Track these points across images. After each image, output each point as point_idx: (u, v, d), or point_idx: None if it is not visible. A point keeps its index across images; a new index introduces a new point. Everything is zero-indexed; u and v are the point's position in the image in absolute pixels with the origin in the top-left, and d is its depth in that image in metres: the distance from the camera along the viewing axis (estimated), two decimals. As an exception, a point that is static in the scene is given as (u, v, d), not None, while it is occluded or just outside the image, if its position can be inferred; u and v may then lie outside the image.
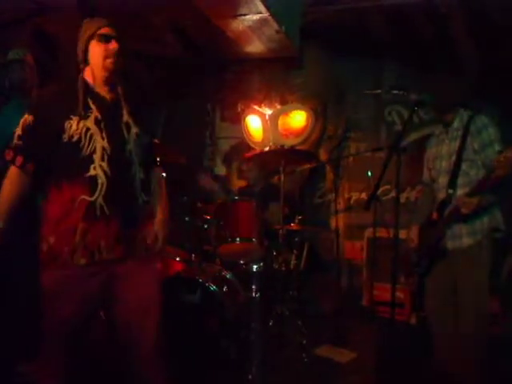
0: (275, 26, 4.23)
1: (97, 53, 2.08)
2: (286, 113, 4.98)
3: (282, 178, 3.62)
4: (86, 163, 2.00)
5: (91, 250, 1.98)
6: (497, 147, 2.54)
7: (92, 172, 1.99)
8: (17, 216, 2.04)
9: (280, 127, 4.95)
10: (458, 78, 2.91)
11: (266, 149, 4.66)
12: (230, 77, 5.50)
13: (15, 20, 4.23)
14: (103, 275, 2.02)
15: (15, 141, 2.03)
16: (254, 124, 5.14)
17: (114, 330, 2.11)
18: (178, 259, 3.56)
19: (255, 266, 3.36)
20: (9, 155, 2.02)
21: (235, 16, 4.03)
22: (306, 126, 4.93)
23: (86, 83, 2.10)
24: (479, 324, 2.59)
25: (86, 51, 2.10)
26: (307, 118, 4.93)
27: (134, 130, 2.12)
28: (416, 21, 4.38)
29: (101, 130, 2.03)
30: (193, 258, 3.42)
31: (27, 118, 2.03)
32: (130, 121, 2.12)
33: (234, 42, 4.67)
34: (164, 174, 2.44)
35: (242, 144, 5.38)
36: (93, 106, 2.06)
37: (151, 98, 5.41)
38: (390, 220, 3.15)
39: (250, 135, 5.18)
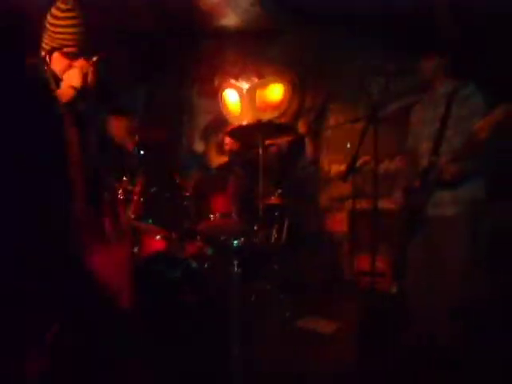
0: (249, -4, 4.15)
1: (59, 65, 2.00)
2: (263, 86, 4.93)
3: (261, 151, 3.59)
4: None
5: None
6: (482, 116, 2.49)
7: None
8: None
9: (257, 101, 4.90)
10: (437, 46, 2.87)
11: (244, 123, 4.61)
12: (205, 51, 5.40)
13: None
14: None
15: None
16: (232, 98, 5.08)
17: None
18: (158, 237, 3.53)
19: (236, 242, 3.35)
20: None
21: (208, -13, 3.94)
22: (283, 99, 4.89)
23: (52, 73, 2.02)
24: (458, 294, 2.61)
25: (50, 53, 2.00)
26: (285, 91, 4.89)
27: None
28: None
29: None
30: (173, 236, 3.40)
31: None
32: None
33: (208, 14, 4.58)
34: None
35: (220, 119, 5.32)
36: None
37: (128, 75, 5.32)
38: (370, 191, 3.15)
39: (228, 110, 5.12)
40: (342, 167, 4.90)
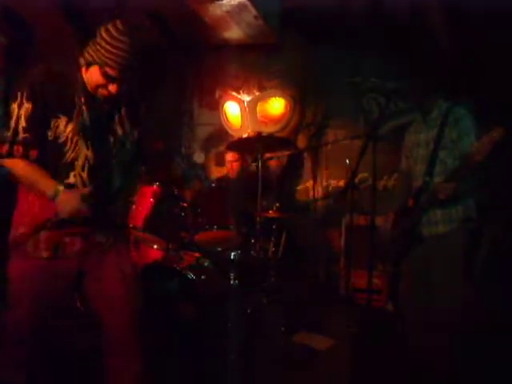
0: (254, 11, 4.19)
1: (94, 79, 1.97)
2: (264, 99, 4.96)
3: (260, 165, 3.60)
4: (67, 169, 1.96)
5: (54, 245, 1.95)
6: (473, 137, 2.59)
7: (71, 179, 1.96)
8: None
9: (258, 114, 4.92)
10: (434, 67, 2.92)
11: (244, 136, 4.63)
12: (208, 63, 5.44)
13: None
14: (71, 270, 2.01)
15: (21, 134, 1.89)
16: (233, 110, 5.10)
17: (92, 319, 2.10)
18: (155, 247, 3.53)
19: (233, 254, 3.35)
20: (18, 151, 1.90)
21: (213, 1, 3.98)
22: (284, 113, 4.92)
23: (83, 84, 2.01)
24: (452, 310, 2.62)
25: (89, 65, 1.98)
26: (286, 105, 4.91)
27: (123, 139, 2.08)
28: (394, 9, 4.37)
29: (87, 138, 1.96)
30: (170, 246, 3.40)
31: (27, 106, 1.90)
32: (120, 131, 2.07)
33: (211, 27, 4.62)
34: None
35: (221, 131, 5.34)
36: (84, 110, 1.98)
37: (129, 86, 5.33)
38: (368, 207, 3.17)
39: (229, 122, 5.14)
40: (341, 183, 4.93)
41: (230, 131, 5.17)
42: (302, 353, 3.25)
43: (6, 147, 1.89)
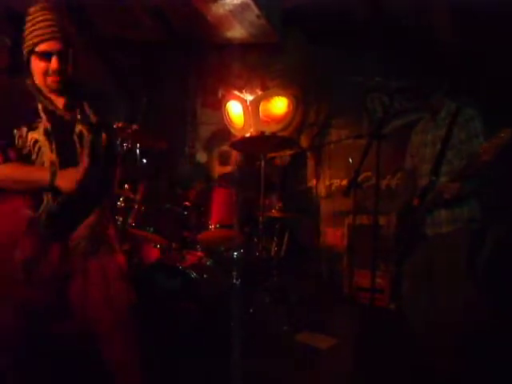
0: (256, 10, 4.19)
1: (37, 69, 1.95)
2: (267, 99, 4.95)
3: (263, 164, 3.61)
4: None
5: (29, 267, 1.90)
6: (482, 138, 2.59)
7: None
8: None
9: (261, 113, 4.92)
10: (438, 66, 2.91)
11: (247, 135, 4.63)
12: (210, 62, 5.44)
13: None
14: (52, 286, 1.97)
15: None
16: (235, 110, 5.10)
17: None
18: (158, 246, 3.53)
19: (236, 253, 3.36)
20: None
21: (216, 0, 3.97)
22: (287, 113, 4.91)
23: (37, 88, 1.98)
24: (454, 310, 2.62)
25: (28, 61, 1.97)
26: (288, 105, 4.91)
27: (89, 138, 2.01)
28: (397, 8, 4.36)
29: (50, 143, 1.93)
30: (173, 245, 3.40)
31: None
32: (85, 130, 2.01)
33: (214, 26, 4.62)
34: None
35: (223, 130, 5.34)
36: (43, 115, 1.95)
37: (130, 84, 5.34)
38: (371, 207, 3.17)
39: (231, 121, 5.14)
40: (344, 182, 4.92)
41: (232, 130, 5.16)
42: (305, 352, 3.24)
43: None
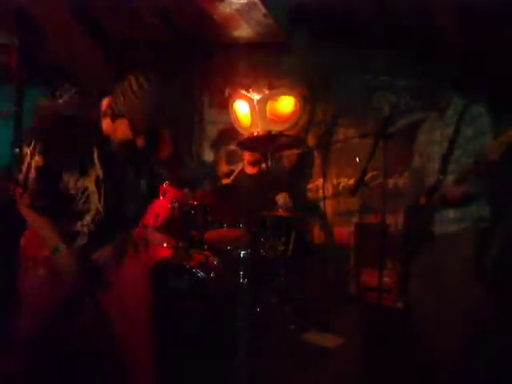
0: (263, 9, 4.18)
1: (122, 131, 1.91)
2: (274, 98, 4.95)
3: (270, 163, 3.61)
4: (75, 217, 1.96)
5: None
6: (489, 136, 2.55)
7: (78, 228, 1.97)
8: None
9: (268, 112, 4.91)
10: (446, 64, 2.90)
11: (254, 134, 4.63)
12: (217, 61, 5.44)
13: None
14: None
15: (30, 185, 1.89)
16: (242, 109, 5.10)
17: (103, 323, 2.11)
18: (165, 245, 3.54)
19: (242, 252, 3.36)
20: (26, 200, 1.92)
21: (222, -1, 3.97)
22: (294, 112, 4.91)
23: (100, 133, 1.95)
24: (462, 310, 2.60)
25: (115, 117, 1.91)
26: (295, 104, 4.90)
27: (138, 181, 2.06)
28: (400, 7, 4.34)
29: (99, 191, 1.94)
30: (180, 244, 3.41)
31: (38, 160, 1.87)
32: (132, 175, 2.05)
33: (221, 26, 4.62)
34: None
35: (230, 129, 5.34)
36: (97, 163, 1.93)
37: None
38: (378, 206, 3.15)
39: (238, 120, 5.14)
40: (351, 181, 4.90)
41: (239, 130, 5.16)
42: (312, 351, 3.24)
43: (19, 190, 1.91)
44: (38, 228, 1.96)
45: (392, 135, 2.76)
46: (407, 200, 2.99)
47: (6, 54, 3.21)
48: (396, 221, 2.98)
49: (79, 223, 1.96)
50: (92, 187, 1.93)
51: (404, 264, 2.94)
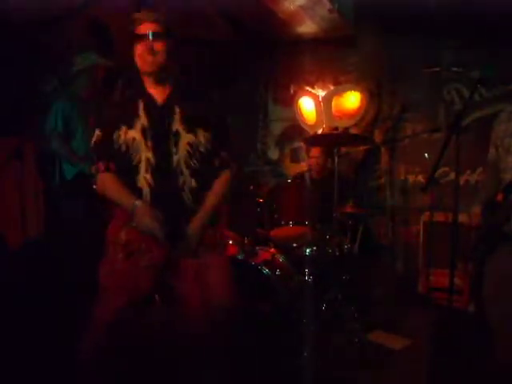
0: (328, 4, 4.14)
1: (137, 52, 2.03)
2: (339, 94, 4.88)
3: (336, 160, 3.56)
4: (133, 174, 2.02)
5: (130, 251, 2.02)
6: None
7: (139, 184, 2.02)
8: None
9: (333, 109, 4.86)
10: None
11: (319, 131, 4.60)
12: (281, 58, 5.44)
13: (65, 16, 4.13)
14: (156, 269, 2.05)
15: (97, 152, 2.10)
16: (307, 106, 5.07)
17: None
18: (231, 242, 3.58)
19: (308, 250, 3.34)
20: (100, 167, 2.07)
21: (286, -4, 3.97)
22: (360, 107, 4.82)
23: (140, 81, 2.08)
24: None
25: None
26: (361, 99, 4.81)
27: (186, 139, 2.05)
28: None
29: (146, 140, 2.01)
30: (246, 241, 3.43)
31: (98, 134, 2.08)
32: (181, 129, 2.05)
33: (285, 22, 4.61)
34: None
35: (295, 127, 5.33)
36: (142, 113, 2.04)
37: (202, 84, 5.42)
38: (448, 203, 3.04)
39: (303, 118, 5.12)
40: (419, 177, 4.77)
41: (304, 127, 5.14)
42: (378, 352, 3.18)
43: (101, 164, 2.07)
44: (115, 192, 2.04)
45: (465, 129, 2.64)
46: (482, 196, 2.84)
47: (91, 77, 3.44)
48: (468, 219, 2.85)
49: (137, 178, 2.02)
50: (139, 136, 2.01)
51: (478, 265, 2.81)
